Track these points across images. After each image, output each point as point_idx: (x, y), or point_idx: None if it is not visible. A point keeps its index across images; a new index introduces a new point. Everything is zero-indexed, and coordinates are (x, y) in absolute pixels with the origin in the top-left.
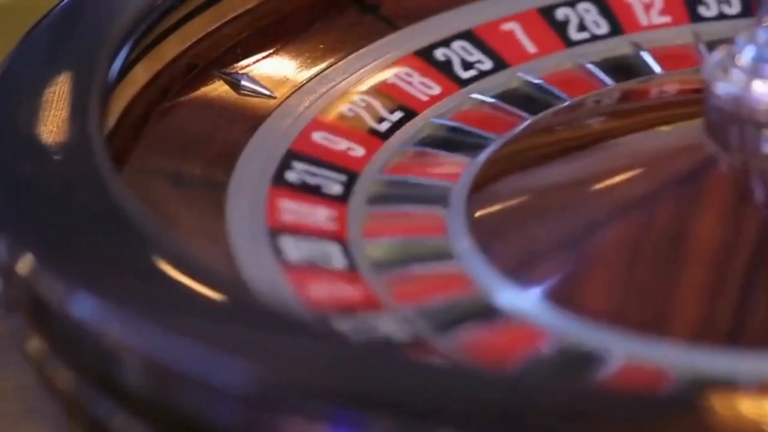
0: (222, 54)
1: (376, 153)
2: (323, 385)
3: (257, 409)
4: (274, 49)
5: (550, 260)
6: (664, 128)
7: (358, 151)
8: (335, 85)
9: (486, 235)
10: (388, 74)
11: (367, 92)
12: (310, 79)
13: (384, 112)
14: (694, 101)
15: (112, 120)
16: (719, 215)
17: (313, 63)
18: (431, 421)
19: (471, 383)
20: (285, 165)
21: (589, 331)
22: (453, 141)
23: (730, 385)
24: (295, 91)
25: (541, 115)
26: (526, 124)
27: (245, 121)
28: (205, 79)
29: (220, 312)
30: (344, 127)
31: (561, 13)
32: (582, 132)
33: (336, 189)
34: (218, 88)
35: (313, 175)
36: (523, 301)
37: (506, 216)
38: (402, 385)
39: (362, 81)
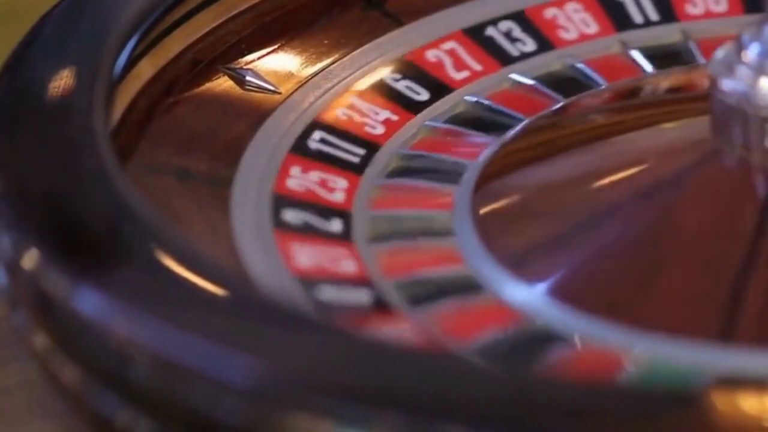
0: (227, 49)
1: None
2: (329, 380)
3: (263, 404)
4: (279, 44)
5: (545, 250)
6: (671, 124)
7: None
8: (340, 81)
9: (488, 218)
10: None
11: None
12: (315, 74)
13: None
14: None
15: (116, 115)
16: (721, 211)
17: (318, 59)
18: (437, 418)
19: (477, 380)
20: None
21: (573, 320)
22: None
23: (731, 381)
24: (300, 86)
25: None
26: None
27: (250, 116)
28: (209, 74)
29: (225, 307)
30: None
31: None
32: (599, 124)
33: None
34: (223, 84)
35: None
36: (514, 286)
37: (511, 202)
38: (408, 381)
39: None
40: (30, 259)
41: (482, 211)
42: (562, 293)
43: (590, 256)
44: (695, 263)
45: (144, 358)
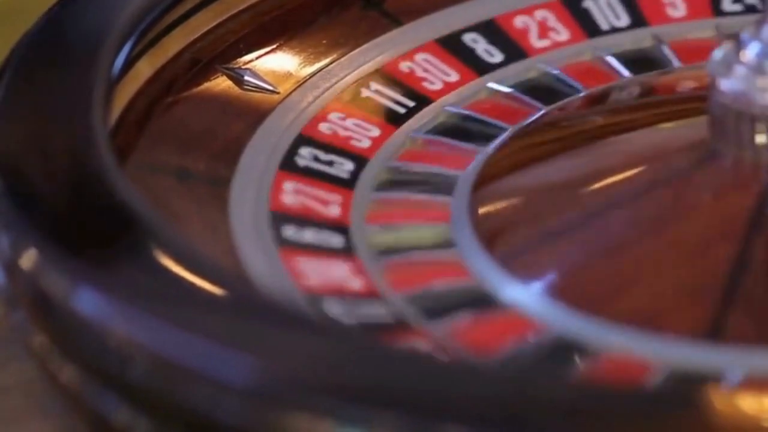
0: (225, 49)
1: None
2: (329, 380)
3: (262, 404)
4: (277, 44)
5: (547, 253)
6: (671, 124)
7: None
8: (338, 81)
9: (488, 226)
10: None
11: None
12: (314, 74)
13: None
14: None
15: (115, 115)
16: (718, 209)
17: (317, 59)
18: (437, 418)
19: (477, 380)
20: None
21: (583, 323)
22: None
23: (729, 381)
24: (299, 86)
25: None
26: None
27: (249, 116)
28: (208, 74)
29: (224, 307)
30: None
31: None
32: (589, 127)
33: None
34: (221, 83)
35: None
36: (519, 292)
37: (508, 209)
38: (407, 381)
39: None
40: (29, 258)
41: (480, 219)
42: (562, 295)
43: (589, 256)
44: (693, 261)
45: (143, 357)
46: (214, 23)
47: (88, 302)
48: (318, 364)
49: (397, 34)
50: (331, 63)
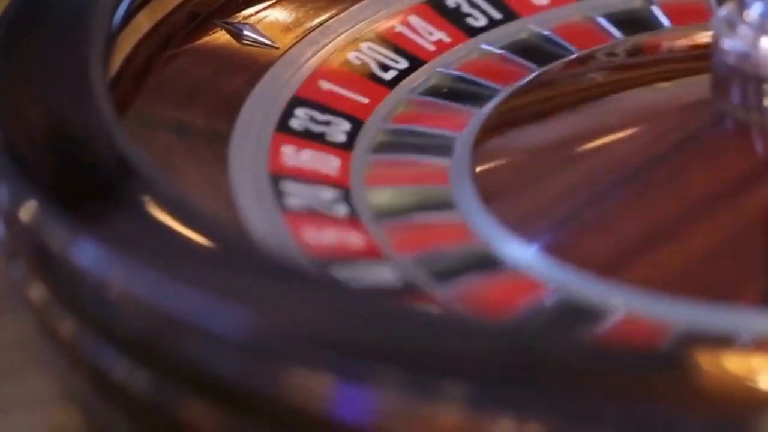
0: (224, 3)
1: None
2: (326, 334)
3: (260, 358)
4: None
5: (549, 213)
6: (670, 83)
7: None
8: (337, 36)
9: (488, 186)
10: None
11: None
12: (313, 29)
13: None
14: (702, 57)
15: (114, 68)
16: (719, 169)
17: (316, 14)
18: (437, 372)
19: (478, 335)
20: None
21: (587, 283)
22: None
23: (717, 340)
24: (298, 41)
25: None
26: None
27: (248, 71)
28: (207, 28)
29: (222, 260)
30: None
31: None
32: (587, 85)
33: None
34: (220, 38)
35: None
36: (523, 252)
37: (508, 169)
38: (407, 335)
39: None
40: (28, 210)
41: (481, 181)
42: (563, 254)
43: (589, 216)
44: (691, 220)
45: (141, 310)
46: None
47: (86, 254)
48: (316, 317)
49: None
50: (330, 18)
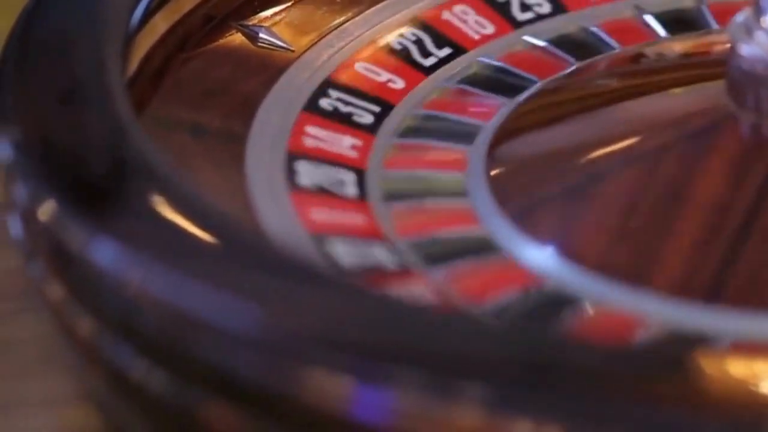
0: (240, 6)
1: (416, 87)
2: (344, 335)
3: (277, 358)
4: (292, 2)
5: (554, 208)
6: (685, 89)
7: (398, 84)
8: (353, 40)
9: (503, 177)
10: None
11: (417, 26)
12: (328, 32)
13: (432, 47)
14: (709, 63)
15: (131, 70)
16: (731, 175)
17: (332, 17)
18: (455, 374)
19: (496, 336)
20: (321, 92)
21: (583, 279)
22: (498, 81)
23: (718, 344)
24: (314, 44)
25: (584, 62)
26: (568, 71)
27: (263, 73)
28: (222, 31)
29: (240, 260)
30: (388, 59)
31: None
32: (610, 88)
33: (367, 118)
34: (236, 40)
35: (347, 103)
36: (524, 245)
37: (525, 164)
38: (426, 337)
39: (410, 17)
40: (46, 210)
41: (495, 171)
42: (570, 252)
43: (599, 216)
44: (702, 225)
45: (159, 309)
46: None
47: (104, 253)
48: (335, 318)
49: None
50: (345, 21)
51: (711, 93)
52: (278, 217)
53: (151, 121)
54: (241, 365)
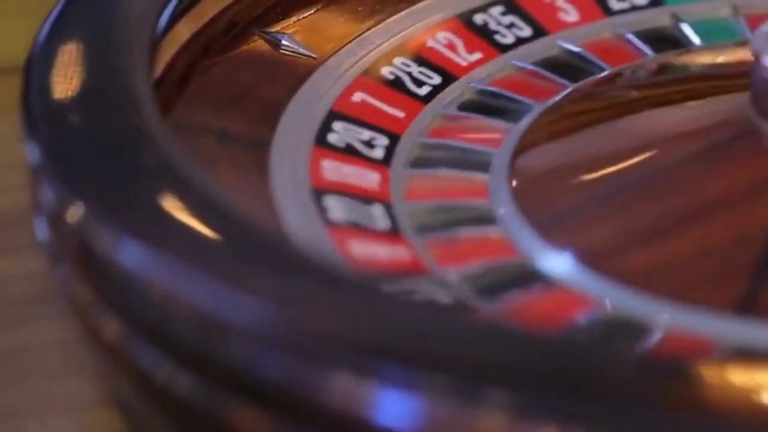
0: (262, 13)
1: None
2: (370, 339)
3: (304, 362)
4: (315, 9)
5: (587, 228)
6: (706, 100)
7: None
8: (375, 48)
9: (527, 201)
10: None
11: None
12: (351, 40)
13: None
14: (735, 74)
15: (155, 75)
16: (754, 186)
17: (354, 25)
18: (481, 380)
19: (522, 342)
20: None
21: (631, 297)
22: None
23: (721, 352)
24: (336, 52)
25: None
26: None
27: (286, 80)
28: (245, 37)
29: (269, 264)
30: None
31: None
32: (622, 101)
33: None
34: (259, 47)
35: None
36: (565, 266)
37: (546, 183)
38: (451, 342)
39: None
40: (74, 213)
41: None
42: (603, 268)
43: (627, 231)
44: (725, 235)
45: (186, 312)
46: None
47: (132, 256)
48: (361, 323)
49: (434, 2)
50: (367, 30)
51: (733, 104)
52: (305, 226)
53: (176, 127)
54: (267, 368)
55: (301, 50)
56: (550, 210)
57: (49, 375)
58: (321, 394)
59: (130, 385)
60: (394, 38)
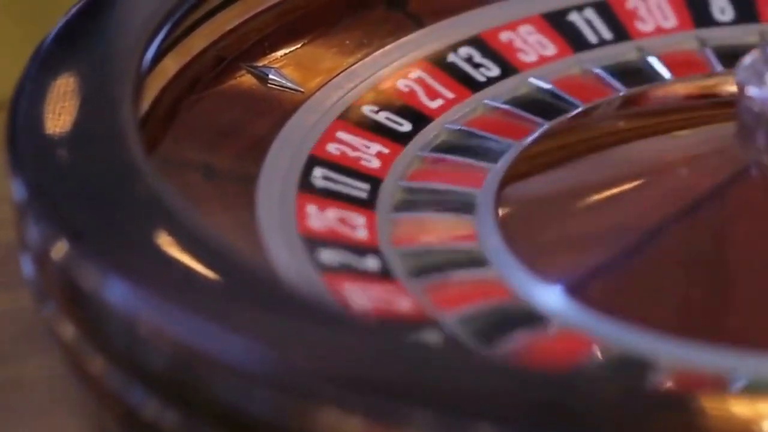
0: (250, 47)
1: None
2: (358, 375)
3: (289, 397)
4: (302, 43)
5: (581, 263)
6: (686, 132)
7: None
8: (362, 81)
9: (515, 239)
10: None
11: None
12: (338, 74)
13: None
14: (711, 106)
15: (141, 111)
16: (751, 221)
17: (341, 59)
18: (468, 414)
19: (509, 376)
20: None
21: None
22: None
23: (722, 384)
24: (323, 86)
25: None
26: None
27: (273, 114)
28: (232, 72)
29: (253, 300)
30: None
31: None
32: (602, 135)
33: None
34: (246, 81)
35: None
36: (561, 305)
37: (532, 221)
38: (438, 376)
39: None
40: (58, 250)
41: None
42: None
43: (618, 264)
44: (712, 265)
45: (171, 348)
46: (239, 21)
47: (116, 293)
48: (347, 357)
49: (419, 36)
50: (354, 63)
51: (718, 135)
52: (290, 258)
53: (162, 162)
54: (253, 404)
55: (288, 84)
56: (538, 243)
57: (36, 411)
58: (307, 430)
59: (117, 422)
60: (381, 72)
